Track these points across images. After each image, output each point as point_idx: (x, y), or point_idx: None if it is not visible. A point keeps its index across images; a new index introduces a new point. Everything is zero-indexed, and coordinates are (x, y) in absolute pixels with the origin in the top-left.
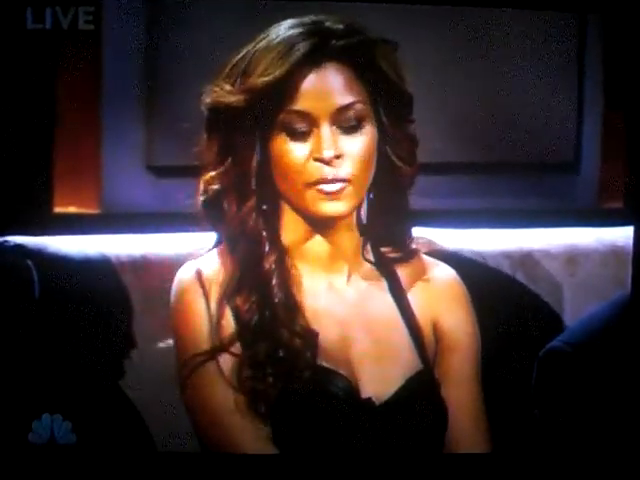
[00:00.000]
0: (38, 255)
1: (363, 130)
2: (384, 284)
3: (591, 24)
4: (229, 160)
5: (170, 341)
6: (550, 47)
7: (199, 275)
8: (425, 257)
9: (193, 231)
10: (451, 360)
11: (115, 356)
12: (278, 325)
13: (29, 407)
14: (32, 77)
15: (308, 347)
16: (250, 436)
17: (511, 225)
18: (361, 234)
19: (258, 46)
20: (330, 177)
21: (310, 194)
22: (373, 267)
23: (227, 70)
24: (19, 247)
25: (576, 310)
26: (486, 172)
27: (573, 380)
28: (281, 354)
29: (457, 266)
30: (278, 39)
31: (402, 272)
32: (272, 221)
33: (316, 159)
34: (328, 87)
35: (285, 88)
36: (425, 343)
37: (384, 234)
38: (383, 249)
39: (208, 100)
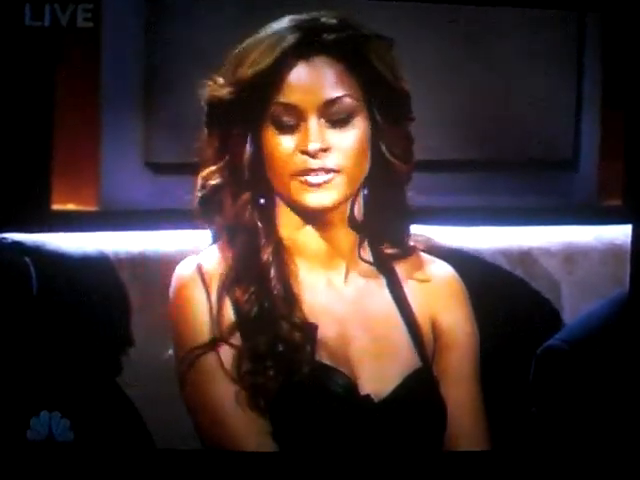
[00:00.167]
0: (36, 252)
1: (353, 124)
2: (382, 281)
3: (590, 22)
4: (226, 155)
5: (168, 338)
6: (549, 45)
7: (199, 270)
8: (423, 254)
9: (192, 228)
10: (450, 358)
11: (113, 353)
12: (277, 317)
13: (27, 404)
14: (31, 74)
15: (307, 341)
16: (250, 433)
17: (509, 223)
18: (356, 232)
19: (251, 40)
20: (315, 167)
21: (295, 185)
22: (371, 265)
23: (223, 65)
24: (17, 244)
25: (574, 308)
26: (484, 169)
27: (571, 378)
28: (281, 347)
29: (455, 264)
30: (269, 32)
31: (400, 269)
32: (267, 214)
33: (302, 152)
34: (316, 80)
35: (273, 80)
36: (424, 341)
37: (381, 231)
38: (381, 246)
39: (204, 95)
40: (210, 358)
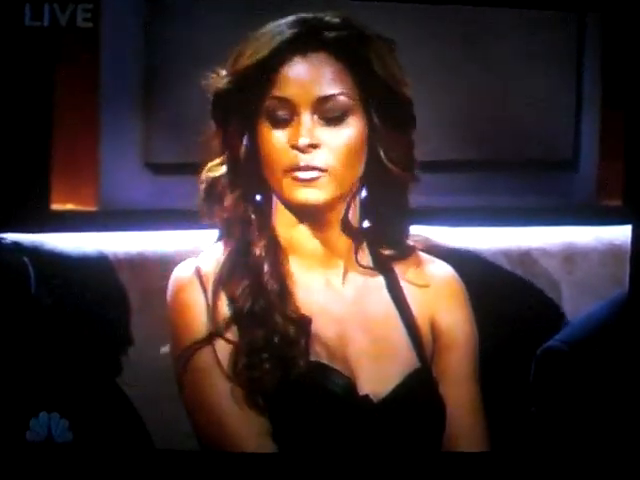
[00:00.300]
0: (35, 252)
1: (347, 123)
2: (381, 282)
3: (590, 22)
4: (226, 149)
5: (168, 338)
6: (548, 45)
7: (197, 272)
8: (422, 254)
9: (191, 228)
10: (449, 358)
11: (112, 354)
12: (272, 311)
13: (26, 405)
14: (30, 74)
15: (302, 334)
16: (249, 433)
17: (509, 223)
18: (349, 236)
19: (254, 33)
20: (303, 164)
21: (286, 181)
22: (369, 265)
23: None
24: (16, 244)
25: (574, 308)
26: (484, 170)
27: (570, 379)
28: (276, 340)
29: (455, 264)
30: (271, 26)
31: (399, 270)
32: (262, 210)
33: (292, 146)
34: (312, 76)
35: (270, 73)
36: (423, 341)
37: (380, 233)
38: (379, 248)
39: (209, 87)
40: (206, 356)
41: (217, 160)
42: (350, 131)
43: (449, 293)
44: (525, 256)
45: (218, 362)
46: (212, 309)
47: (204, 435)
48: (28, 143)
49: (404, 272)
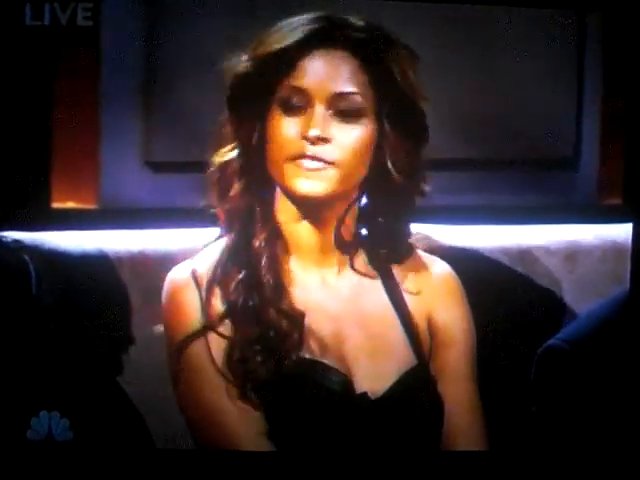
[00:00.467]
0: (36, 250)
1: (359, 123)
2: (378, 279)
3: (590, 21)
4: (237, 136)
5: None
6: (549, 43)
7: (193, 273)
8: (420, 252)
9: (191, 226)
10: (446, 356)
11: (113, 352)
12: (266, 305)
13: (27, 404)
14: (31, 73)
15: (295, 328)
16: (247, 432)
17: (510, 221)
18: (341, 251)
19: (278, 23)
20: (309, 154)
21: (289, 168)
22: (365, 268)
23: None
24: (17, 242)
25: (575, 307)
26: (485, 168)
27: (571, 378)
28: (270, 334)
29: (456, 263)
30: (296, 19)
31: (397, 267)
32: (267, 201)
33: (302, 137)
34: (332, 71)
35: (290, 62)
36: (420, 338)
37: (376, 242)
38: (378, 251)
39: (227, 73)
40: (200, 350)
41: (228, 146)
42: (361, 131)
43: (446, 290)
44: (526, 254)
45: (212, 358)
46: (206, 307)
47: (198, 434)
48: (29, 141)
49: (401, 269)
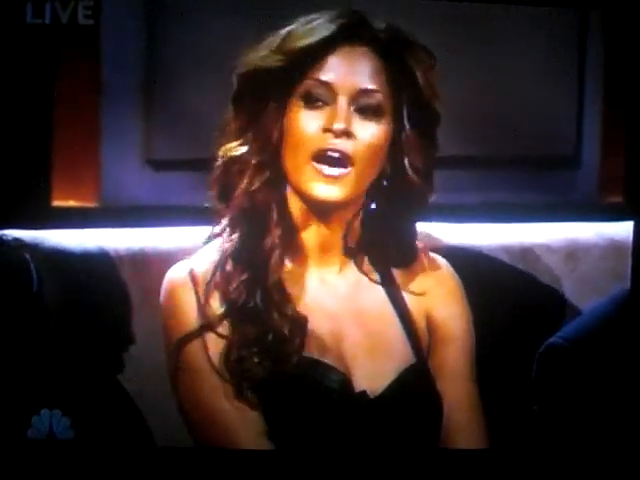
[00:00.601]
0: (36, 249)
1: (380, 121)
2: (376, 277)
3: (592, 19)
4: (251, 131)
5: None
6: (550, 41)
7: (191, 273)
8: (420, 250)
9: (192, 225)
10: (445, 353)
11: (114, 350)
12: (269, 307)
13: (28, 402)
14: (31, 72)
15: (297, 332)
16: (244, 431)
17: (511, 219)
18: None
19: (303, 19)
20: (332, 147)
21: (309, 171)
22: (369, 263)
23: (263, 43)
24: (17, 240)
25: (576, 305)
26: (486, 166)
27: (572, 376)
28: (270, 337)
29: (457, 261)
30: (321, 17)
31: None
32: (281, 197)
33: (326, 129)
34: (356, 67)
35: (317, 56)
36: (418, 336)
37: (384, 245)
38: (382, 256)
39: (243, 68)
40: (198, 352)
41: (235, 142)
42: (380, 129)
43: (445, 288)
44: (527, 252)
45: (209, 358)
46: (204, 307)
47: (197, 433)
48: (29, 140)
49: (400, 268)
